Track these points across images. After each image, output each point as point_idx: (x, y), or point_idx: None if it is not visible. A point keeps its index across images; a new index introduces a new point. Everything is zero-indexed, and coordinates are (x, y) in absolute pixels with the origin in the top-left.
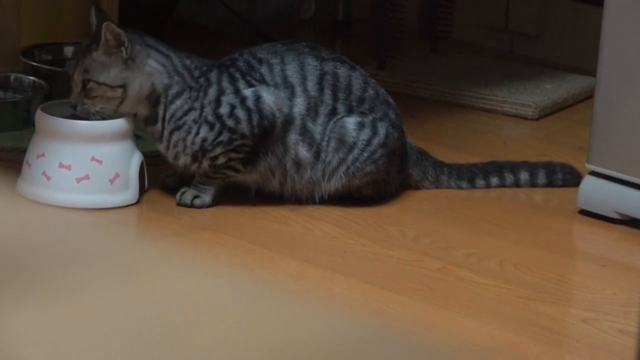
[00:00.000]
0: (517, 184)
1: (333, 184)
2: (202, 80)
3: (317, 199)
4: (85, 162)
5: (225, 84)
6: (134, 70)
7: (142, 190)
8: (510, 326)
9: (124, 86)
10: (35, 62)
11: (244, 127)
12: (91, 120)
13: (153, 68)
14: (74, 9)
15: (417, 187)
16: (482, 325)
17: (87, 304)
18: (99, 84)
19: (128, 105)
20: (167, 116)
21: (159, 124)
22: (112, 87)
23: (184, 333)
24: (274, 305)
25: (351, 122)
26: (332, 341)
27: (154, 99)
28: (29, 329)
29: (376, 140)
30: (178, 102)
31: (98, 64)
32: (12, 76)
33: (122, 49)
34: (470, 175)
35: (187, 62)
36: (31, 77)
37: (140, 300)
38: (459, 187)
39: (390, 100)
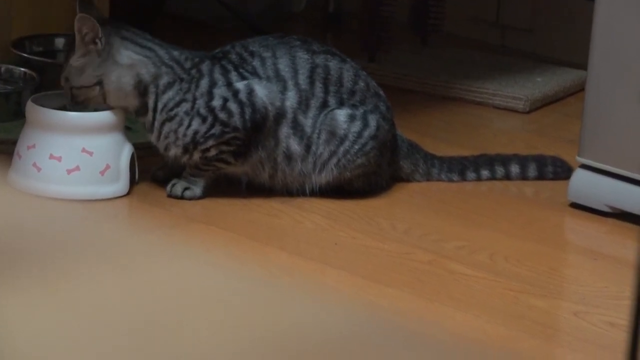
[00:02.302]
0: (507, 177)
1: (324, 177)
2: (193, 71)
3: (307, 191)
4: (75, 154)
5: (218, 75)
6: (109, 64)
7: (132, 182)
8: (501, 319)
9: (99, 82)
10: (26, 53)
11: (237, 121)
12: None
13: (133, 59)
14: (65, 0)
15: (408, 180)
16: (473, 318)
17: (77, 294)
18: (78, 88)
19: (114, 99)
20: (159, 106)
21: (149, 114)
22: (89, 87)
23: (173, 323)
24: (265, 297)
25: (342, 114)
26: (322, 333)
27: (142, 89)
28: (20, 318)
29: (367, 133)
30: (170, 93)
31: (75, 69)
32: (3, 67)
33: (97, 40)
34: (461, 168)
35: (175, 53)
36: (22, 69)
37: (130, 290)
38: (450, 180)
39: (381, 92)
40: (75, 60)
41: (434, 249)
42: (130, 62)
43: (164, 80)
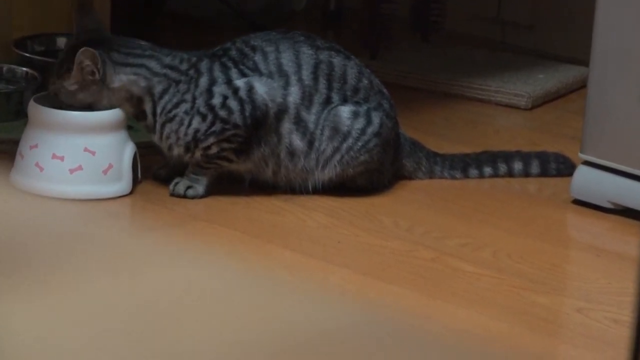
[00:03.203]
0: (510, 174)
1: (327, 173)
2: (191, 72)
3: (310, 188)
4: (78, 153)
5: (217, 73)
6: (101, 91)
7: (135, 181)
8: (504, 316)
9: (90, 105)
10: (27, 53)
11: (237, 118)
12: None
13: (123, 82)
14: (66, 0)
15: (410, 178)
16: (476, 315)
17: (78, 294)
18: (67, 105)
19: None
20: (158, 110)
21: (150, 118)
22: (79, 107)
23: (175, 323)
24: (267, 296)
25: (345, 110)
26: (325, 330)
27: (135, 101)
28: (21, 321)
29: (370, 130)
30: (167, 97)
31: (66, 91)
32: (5, 67)
33: (95, 70)
34: (463, 165)
35: (168, 59)
36: (24, 68)
37: (132, 290)
38: (453, 177)
39: (385, 90)
40: (70, 85)
41: (437, 247)
42: (120, 84)
43: (157, 89)
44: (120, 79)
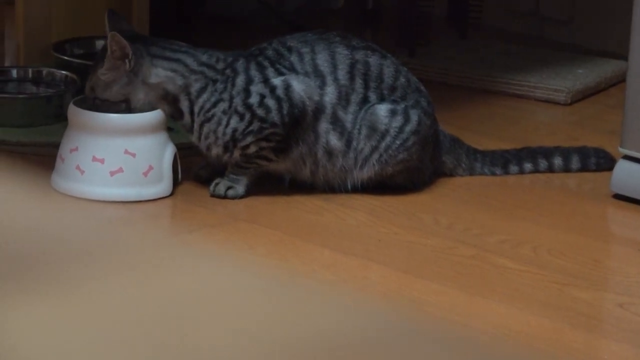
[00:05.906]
0: (550, 169)
1: (366, 172)
2: (228, 71)
3: (349, 187)
4: (118, 155)
5: (254, 72)
6: (136, 83)
7: (175, 183)
8: (545, 312)
9: (126, 100)
10: (66, 56)
11: (275, 116)
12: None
13: (160, 77)
14: (104, 2)
15: (450, 175)
16: (517, 311)
17: (117, 297)
18: (102, 100)
19: (140, 111)
20: (196, 110)
21: (187, 118)
22: (114, 102)
23: (213, 322)
24: (308, 295)
25: (382, 109)
26: (367, 330)
27: (170, 99)
28: (52, 321)
29: (408, 128)
30: (205, 96)
31: (102, 82)
32: (45, 71)
33: (126, 60)
34: (503, 161)
35: (204, 57)
36: (63, 72)
37: (172, 291)
38: (493, 174)
39: (422, 88)
40: (103, 74)
41: (477, 243)
42: (158, 80)
43: (195, 87)
44: (158, 73)
